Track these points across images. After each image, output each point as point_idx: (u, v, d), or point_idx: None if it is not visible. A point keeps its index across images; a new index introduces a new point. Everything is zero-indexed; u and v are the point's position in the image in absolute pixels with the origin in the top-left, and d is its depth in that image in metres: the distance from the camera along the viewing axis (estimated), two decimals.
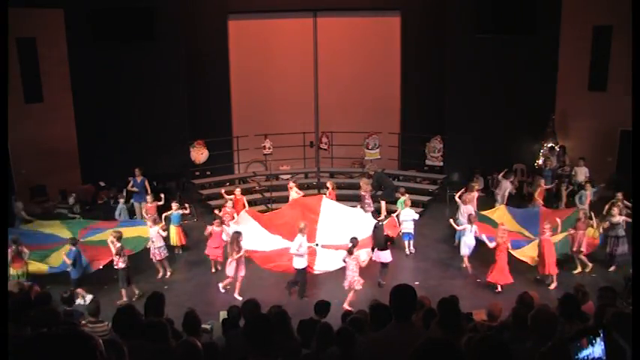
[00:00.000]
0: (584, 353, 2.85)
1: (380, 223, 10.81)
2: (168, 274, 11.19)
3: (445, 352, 2.33)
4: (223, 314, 7.17)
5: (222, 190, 13.34)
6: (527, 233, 11.59)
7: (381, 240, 10.44)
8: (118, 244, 10.00)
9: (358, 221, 11.57)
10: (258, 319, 4.11)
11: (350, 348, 4.20)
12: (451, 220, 11.89)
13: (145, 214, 12.29)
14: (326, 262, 10.51)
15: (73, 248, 10.00)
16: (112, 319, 4.61)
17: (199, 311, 5.78)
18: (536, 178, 13.88)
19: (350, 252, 9.58)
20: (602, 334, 2.85)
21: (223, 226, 11.12)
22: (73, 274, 9.95)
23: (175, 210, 11.99)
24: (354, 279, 9.55)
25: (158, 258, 11.05)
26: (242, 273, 10.17)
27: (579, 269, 10.85)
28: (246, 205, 12.91)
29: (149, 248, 11.07)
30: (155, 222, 11.12)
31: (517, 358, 2.98)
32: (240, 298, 9.39)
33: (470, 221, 11.04)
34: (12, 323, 4.51)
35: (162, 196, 12.98)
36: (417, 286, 10.04)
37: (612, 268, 10.84)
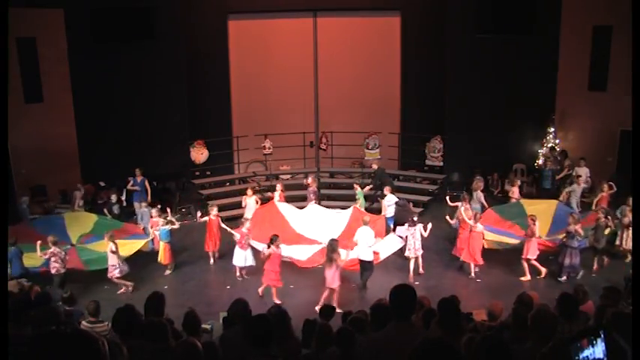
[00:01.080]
0: (585, 354, 2.85)
1: (402, 201, 12.44)
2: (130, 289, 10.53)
3: (443, 352, 2.33)
4: (223, 314, 7.17)
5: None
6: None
7: (404, 219, 11.33)
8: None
9: (329, 218, 11.97)
10: (258, 319, 4.11)
11: (350, 348, 4.20)
12: (447, 217, 11.93)
13: (149, 229, 11.86)
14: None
15: (12, 248, 9.77)
16: (112, 319, 4.61)
17: (199, 311, 5.77)
18: (601, 184, 12.92)
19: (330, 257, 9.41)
20: (602, 335, 2.84)
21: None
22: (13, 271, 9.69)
23: (163, 225, 11.25)
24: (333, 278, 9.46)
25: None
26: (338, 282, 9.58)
27: (527, 277, 10.61)
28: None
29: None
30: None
31: (517, 358, 2.99)
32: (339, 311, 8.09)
33: (475, 219, 10.93)
34: (12, 323, 4.51)
35: (168, 209, 12.39)
36: (417, 286, 10.08)
37: (562, 279, 10.44)
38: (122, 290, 10.47)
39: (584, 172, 14.20)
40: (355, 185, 13.88)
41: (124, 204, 14.01)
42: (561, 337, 3.94)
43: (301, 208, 12.69)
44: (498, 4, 15.40)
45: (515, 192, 13.31)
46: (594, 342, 2.84)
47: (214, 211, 11.79)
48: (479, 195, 12.61)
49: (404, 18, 16.75)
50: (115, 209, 13.37)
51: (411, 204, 13.34)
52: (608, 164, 14.97)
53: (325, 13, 16.86)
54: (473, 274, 10.86)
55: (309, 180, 13.88)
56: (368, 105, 16.94)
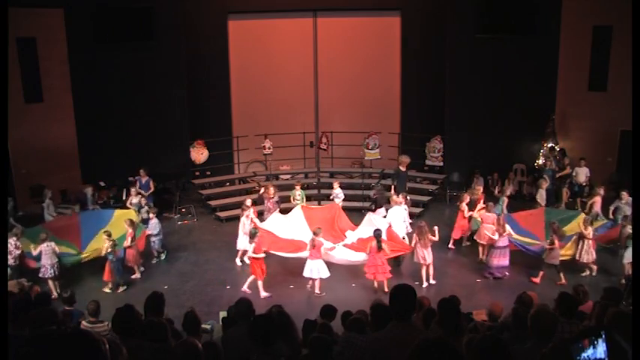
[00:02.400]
0: (586, 354, 2.85)
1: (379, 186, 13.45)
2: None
3: (442, 351, 2.32)
4: (223, 314, 7.18)
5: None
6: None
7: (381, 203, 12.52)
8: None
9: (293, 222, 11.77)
10: (262, 319, 4.10)
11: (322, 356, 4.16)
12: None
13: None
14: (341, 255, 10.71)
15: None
16: (112, 319, 4.61)
17: (199, 311, 5.78)
18: (598, 187, 12.89)
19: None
20: (603, 336, 2.84)
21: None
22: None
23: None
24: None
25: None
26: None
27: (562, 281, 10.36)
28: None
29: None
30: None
31: (517, 358, 2.98)
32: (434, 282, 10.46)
33: (499, 223, 10.71)
34: (12, 323, 4.51)
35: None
36: (417, 286, 10.09)
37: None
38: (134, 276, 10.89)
39: (584, 172, 14.21)
40: (296, 185, 13.72)
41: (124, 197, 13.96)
42: (562, 338, 3.94)
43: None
44: (498, 5, 15.40)
45: (507, 190, 13.49)
46: (595, 342, 2.84)
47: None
48: (504, 200, 12.60)
49: (404, 18, 16.75)
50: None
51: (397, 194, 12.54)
52: (608, 164, 14.97)
53: (325, 13, 16.86)
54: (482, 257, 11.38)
55: (271, 190, 12.82)
56: (368, 105, 16.95)
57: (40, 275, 9.99)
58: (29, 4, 13.78)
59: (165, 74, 15.65)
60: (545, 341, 3.85)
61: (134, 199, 12.94)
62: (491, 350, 2.71)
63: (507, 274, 10.75)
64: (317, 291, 10.15)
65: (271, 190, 12.85)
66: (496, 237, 10.56)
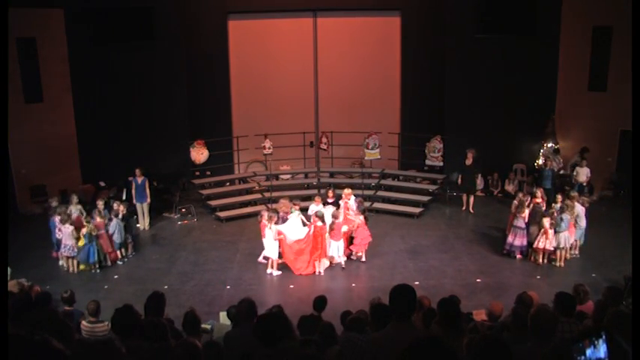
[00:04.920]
0: (587, 354, 2.85)
1: None
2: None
3: (435, 350, 2.32)
4: (223, 314, 7.18)
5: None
6: None
7: None
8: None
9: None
10: (272, 318, 4.08)
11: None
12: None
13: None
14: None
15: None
16: (111, 320, 4.61)
17: (199, 311, 5.77)
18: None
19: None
20: (604, 336, 2.84)
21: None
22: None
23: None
24: None
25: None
26: None
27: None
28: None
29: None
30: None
31: (517, 358, 2.98)
32: None
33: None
34: (12, 323, 4.50)
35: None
36: (417, 286, 10.08)
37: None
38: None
39: (584, 172, 14.21)
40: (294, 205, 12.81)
41: (124, 197, 13.95)
42: (563, 338, 3.94)
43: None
44: (498, 4, 15.40)
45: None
46: (596, 343, 2.84)
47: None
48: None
49: (404, 18, 16.74)
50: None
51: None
52: (608, 164, 14.97)
53: (325, 13, 16.86)
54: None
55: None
56: (368, 105, 16.94)
57: (60, 252, 11.17)
58: (29, 4, 13.78)
59: (165, 74, 15.66)
60: (545, 341, 3.86)
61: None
62: (491, 350, 2.71)
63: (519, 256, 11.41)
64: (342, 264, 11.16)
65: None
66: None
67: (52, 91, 15.14)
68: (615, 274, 10.43)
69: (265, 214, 11.32)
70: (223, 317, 7.37)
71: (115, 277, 10.99)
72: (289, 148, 15.87)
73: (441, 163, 15.55)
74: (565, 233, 10.97)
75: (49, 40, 14.89)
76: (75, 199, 12.64)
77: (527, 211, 11.25)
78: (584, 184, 14.29)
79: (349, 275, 10.84)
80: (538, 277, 10.57)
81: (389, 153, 15.96)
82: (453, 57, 15.71)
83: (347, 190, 11.98)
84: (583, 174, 14.21)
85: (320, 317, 6.27)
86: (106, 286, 10.52)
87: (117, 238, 11.68)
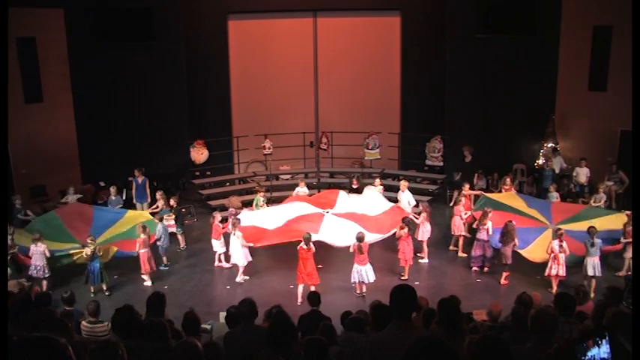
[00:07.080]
0: (590, 355, 2.85)
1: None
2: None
3: (437, 351, 2.32)
4: (223, 314, 7.18)
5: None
6: (541, 217, 11.49)
7: None
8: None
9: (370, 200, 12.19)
10: (284, 322, 4.05)
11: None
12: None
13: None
14: (331, 233, 10.79)
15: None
16: (111, 320, 4.61)
17: (199, 311, 5.78)
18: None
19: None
20: (607, 337, 2.84)
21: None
22: None
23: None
24: None
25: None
26: None
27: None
28: None
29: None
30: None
31: (517, 358, 2.98)
32: None
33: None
34: (12, 323, 4.50)
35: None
36: (417, 286, 10.08)
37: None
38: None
39: (584, 172, 14.19)
40: (259, 191, 13.49)
41: (124, 197, 13.95)
42: (566, 338, 3.94)
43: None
44: (498, 5, 15.39)
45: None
46: (599, 343, 2.84)
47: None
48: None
49: (404, 18, 16.74)
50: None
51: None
52: (608, 164, 14.95)
53: (325, 13, 16.86)
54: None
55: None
56: (368, 105, 16.94)
57: (29, 273, 9.95)
58: (29, 4, 13.77)
59: (165, 74, 15.65)
60: (545, 341, 3.86)
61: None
62: (491, 350, 2.71)
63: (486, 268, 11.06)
64: (363, 292, 10.09)
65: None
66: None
67: (51, 91, 15.12)
68: (615, 273, 10.44)
69: (219, 217, 11.60)
70: (223, 317, 7.37)
71: (115, 276, 10.98)
72: (289, 148, 15.87)
73: (441, 163, 15.55)
74: (595, 259, 9.71)
75: (49, 40, 14.88)
76: (72, 190, 12.77)
77: (489, 224, 10.66)
78: (585, 184, 14.27)
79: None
80: (538, 277, 10.55)
81: (389, 153, 15.96)
82: (453, 57, 15.70)
83: (404, 182, 12.73)
84: (583, 174, 14.19)
85: (319, 311, 6.25)
86: (105, 287, 10.51)
87: (164, 243, 11.48)
